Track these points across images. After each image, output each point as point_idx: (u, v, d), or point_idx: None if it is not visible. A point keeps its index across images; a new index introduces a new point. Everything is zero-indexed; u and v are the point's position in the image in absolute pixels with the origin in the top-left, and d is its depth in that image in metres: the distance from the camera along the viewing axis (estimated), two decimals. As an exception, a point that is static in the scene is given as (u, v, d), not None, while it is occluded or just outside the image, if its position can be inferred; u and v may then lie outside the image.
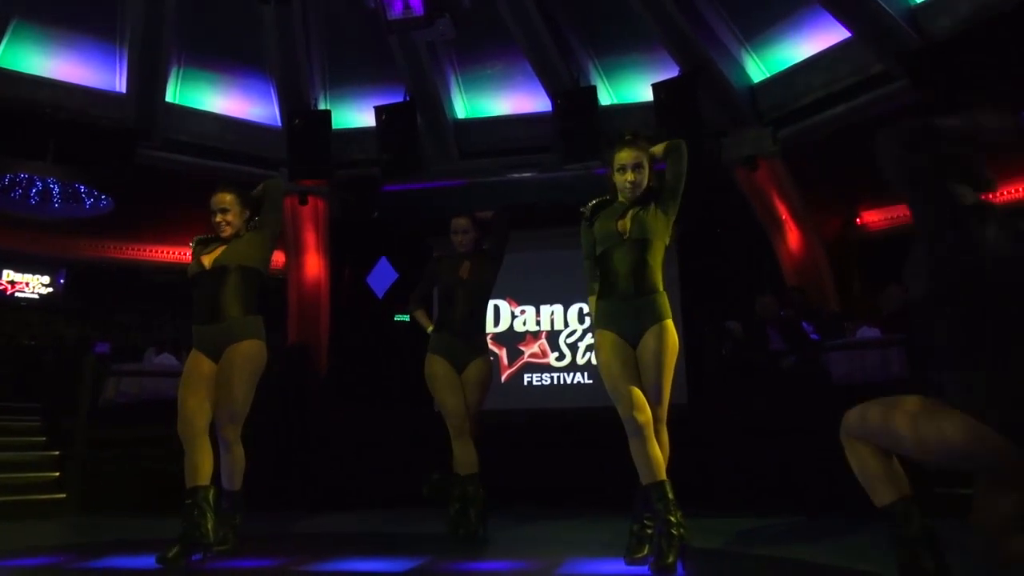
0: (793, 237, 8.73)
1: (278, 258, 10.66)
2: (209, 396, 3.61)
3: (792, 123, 8.40)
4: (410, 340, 4.94)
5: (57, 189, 9.66)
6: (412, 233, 9.46)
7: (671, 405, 3.19)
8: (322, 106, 9.40)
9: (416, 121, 8.92)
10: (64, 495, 6.41)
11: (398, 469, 6.70)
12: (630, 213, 3.24)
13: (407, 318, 9.79)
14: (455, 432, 4.07)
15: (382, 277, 10.03)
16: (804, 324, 6.86)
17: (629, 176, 3.25)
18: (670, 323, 3.18)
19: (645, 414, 3.02)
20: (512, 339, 9.45)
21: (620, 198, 3.31)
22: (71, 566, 3.46)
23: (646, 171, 3.27)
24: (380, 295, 9.95)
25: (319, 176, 9.32)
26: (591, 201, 3.37)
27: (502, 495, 4.55)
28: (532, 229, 9.65)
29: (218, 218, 3.78)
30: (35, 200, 9.79)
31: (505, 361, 9.41)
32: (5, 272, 10.68)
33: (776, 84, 8.43)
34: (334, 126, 9.11)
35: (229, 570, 3.22)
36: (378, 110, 8.92)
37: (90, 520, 5.70)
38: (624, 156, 3.27)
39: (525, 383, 9.28)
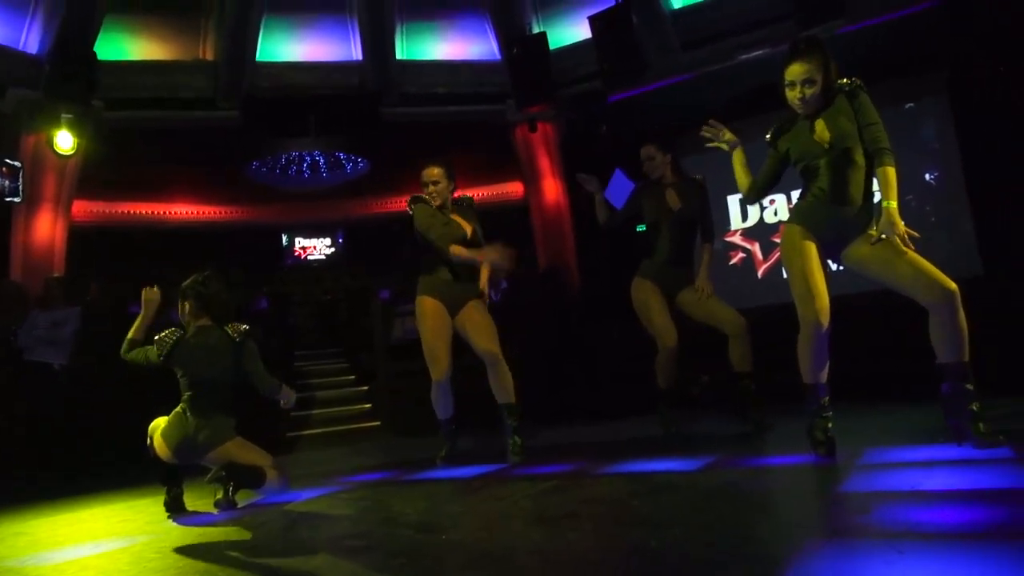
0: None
1: (516, 188, 11.06)
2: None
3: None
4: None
5: (323, 160, 10.82)
6: (644, 140, 9.25)
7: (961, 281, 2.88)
8: (536, 29, 9.41)
9: (632, 22, 8.59)
10: (378, 423, 7.40)
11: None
12: (821, 118, 3.04)
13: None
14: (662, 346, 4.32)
15: (619, 189, 9.92)
16: None
17: (797, 93, 3.03)
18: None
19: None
20: (764, 232, 8.95)
21: (799, 112, 3.12)
22: (402, 479, 4.01)
23: (819, 86, 3.00)
24: (620, 207, 9.91)
25: (544, 100, 9.41)
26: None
27: (778, 391, 4.44)
28: (770, 112, 8.90)
29: (429, 189, 4.21)
30: (307, 173, 11.07)
31: (759, 256, 8.97)
32: (296, 240, 12.31)
33: None
34: (551, 47, 9.09)
35: (535, 476, 3.50)
36: (592, 20, 8.71)
37: (402, 442, 6.51)
38: (792, 71, 3.03)
39: (785, 276, 8.79)
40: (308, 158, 10.84)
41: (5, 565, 2.64)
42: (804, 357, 3.03)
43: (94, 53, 8.37)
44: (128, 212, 10.75)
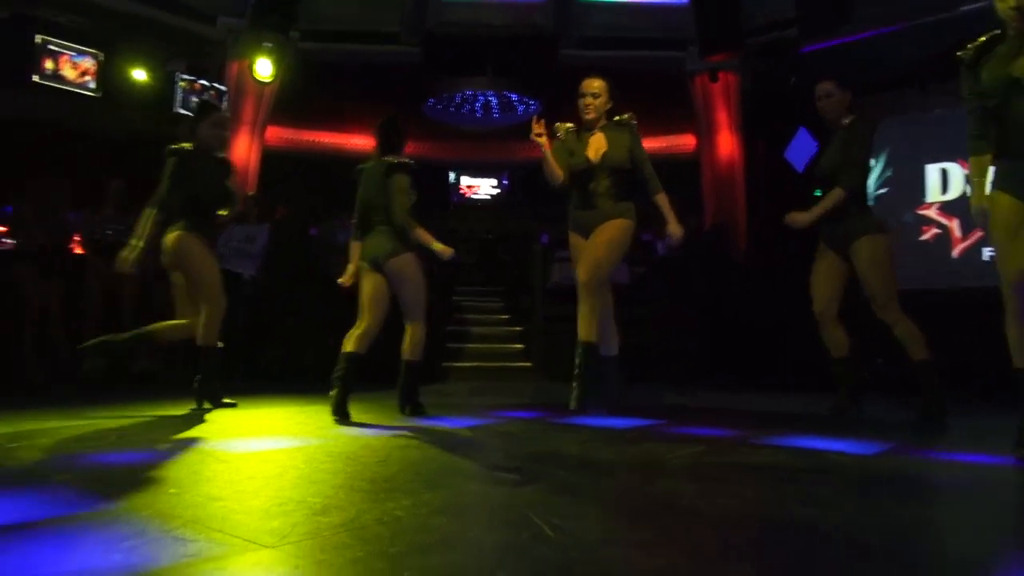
0: None
1: (688, 141, 10.64)
2: None
3: None
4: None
5: (495, 100, 10.92)
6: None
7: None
8: (729, -28, 8.85)
9: (837, -35, 7.87)
10: (530, 364, 7.53)
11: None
12: None
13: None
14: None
15: (801, 149, 9.32)
16: None
17: (1011, 1, 2.47)
18: None
19: None
20: (967, 207, 8.06)
21: (1010, 31, 2.53)
22: (554, 420, 4.05)
23: None
24: (800, 169, 9.29)
25: (729, 49, 8.91)
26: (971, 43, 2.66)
27: (959, 378, 4.06)
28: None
29: (587, 100, 4.03)
30: (480, 113, 11.23)
31: (957, 233, 8.12)
32: (463, 178, 12.62)
33: None
34: (743, -9, 8.55)
35: (691, 437, 3.40)
36: (792, -38, 8.08)
37: (553, 385, 6.58)
38: None
39: (986, 257, 7.92)
40: (482, 98, 10.98)
41: (202, 446, 2.94)
42: (1012, 333, 2.64)
43: (294, -15, 8.86)
44: (312, 141, 11.43)
